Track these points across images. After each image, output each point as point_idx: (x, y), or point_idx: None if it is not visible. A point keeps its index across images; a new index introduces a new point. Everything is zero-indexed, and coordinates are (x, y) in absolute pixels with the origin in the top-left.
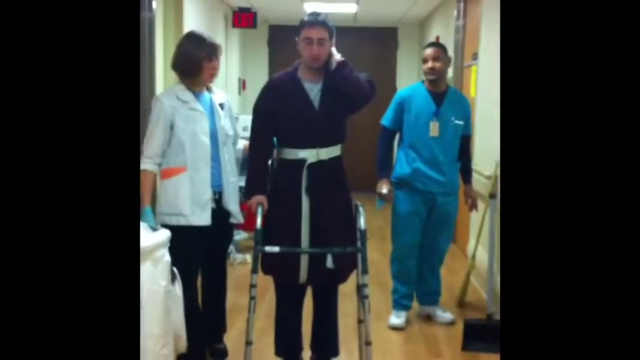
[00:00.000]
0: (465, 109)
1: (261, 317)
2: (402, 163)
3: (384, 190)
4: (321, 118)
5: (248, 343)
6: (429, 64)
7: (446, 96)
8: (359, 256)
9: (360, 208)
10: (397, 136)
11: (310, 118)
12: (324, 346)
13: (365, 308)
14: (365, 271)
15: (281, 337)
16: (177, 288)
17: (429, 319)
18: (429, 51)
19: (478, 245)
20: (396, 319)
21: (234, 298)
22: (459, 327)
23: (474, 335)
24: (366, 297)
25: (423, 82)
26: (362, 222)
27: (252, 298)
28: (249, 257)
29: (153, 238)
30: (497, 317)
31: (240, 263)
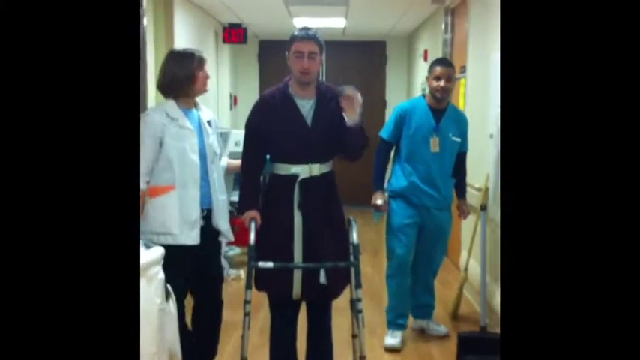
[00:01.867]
0: (462, 126)
1: (256, 333)
2: (399, 176)
3: (380, 201)
4: (314, 134)
5: (243, 359)
6: (442, 83)
7: (445, 112)
8: (352, 270)
9: (353, 222)
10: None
11: (302, 134)
12: None
13: (359, 323)
14: (358, 285)
15: (275, 354)
16: (172, 305)
17: (422, 332)
18: (441, 69)
19: (470, 257)
20: (392, 339)
21: (228, 314)
22: (453, 340)
23: (468, 348)
24: (360, 311)
25: (423, 95)
26: (355, 236)
27: (246, 314)
28: (242, 273)
29: (147, 256)
30: (491, 329)
31: (233, 279)
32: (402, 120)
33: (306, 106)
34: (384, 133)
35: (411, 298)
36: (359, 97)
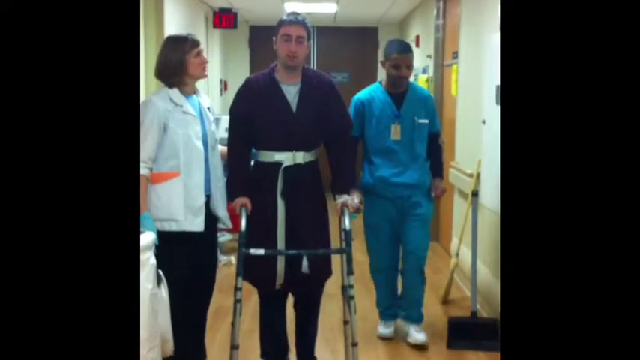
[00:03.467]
0: (428, 106)
1: (247, 318)
2: (367, 172)
3: (356, 200)
4: (299, 121)
5: (234, 346)
6: (402, 72)
7: (406, 95)
8: (344, 256)
9: (345, 209)
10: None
11: (287, 121)
12: (304, 353)
13: (351, 309)
14: (350, 272)
15: (265, 341)
16: (163, 291)
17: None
18: (400, 57)
19: (461, 243)
20: (385, 329)
21: (219, 299)
22: (444, 325)
23: (459, 333)
24: (352, 297)
25: (380, 82)
26: (347, 222)
27: (237, 301)
28: (233, 259)
29: None
30: (481, 314)
31: (224, 265)
32: (361, 112)
33: (292, 91)
34: None
35: (401, 294)
36: (355, 202)
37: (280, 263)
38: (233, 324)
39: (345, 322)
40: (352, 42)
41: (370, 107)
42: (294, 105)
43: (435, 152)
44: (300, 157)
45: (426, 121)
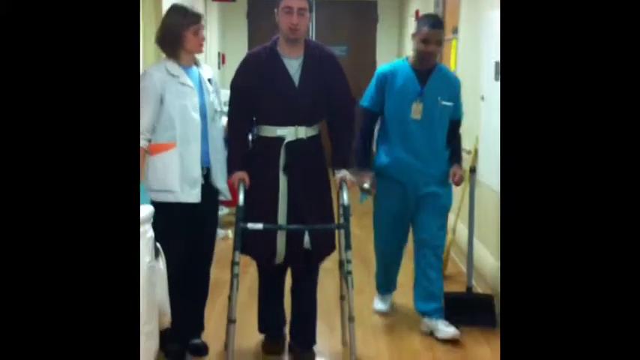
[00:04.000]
0: (453, 90)
1: (244, 292)
2: (381, 151)
3: (366, 184)
4: (301, 95)
5: (231, 321)
6: (430, 47)
7: (432, 74)
8: (341, 232)
9: (344, 184)
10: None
11: (290, 95)
12: (302, 335)
13: (348, 284)
14: (348, 247)
15: (264, 316)
16: (161, 263)
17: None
18: (430, 32)
19: (458, 220)
20: (382, 304)
21: (216, 273)
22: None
23: (455, 308)
24: (349, 273)
25: (407, 58)
26: (345, 198)
27: (234, 275)
28: (230, 233)
29: None
30: (477, 290)
31: (222, 239)
32: (383, 85)
33: (294, 65)
34: (365, 101)
35: (415, 287)
36: (352, 179)
37: (281, 239)
38: (230, 298)
39: (342, 298)
40: (351, 16)
41: (392, 81)
42: (296, 79)
43: (454, 139)
44: (302, 132)
45: (450, 104)
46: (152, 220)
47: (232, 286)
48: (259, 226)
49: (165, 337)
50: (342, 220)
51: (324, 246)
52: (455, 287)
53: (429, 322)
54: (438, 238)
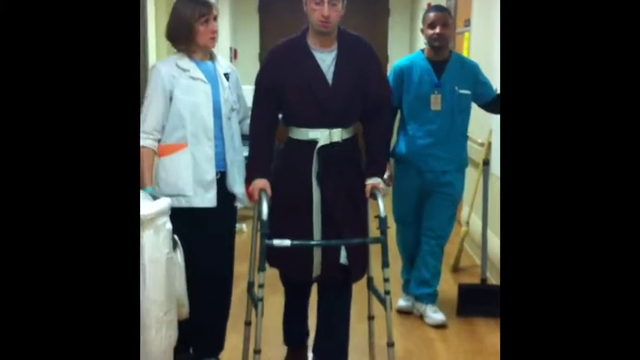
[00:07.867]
0: (472, 74)
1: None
2: (401, 141)
3: (385, 175)
4: (335, 94)
5: (255, 352)
6: (437, 29)
7: (448, 64)
8: (370, 247)
9: (377, 192)
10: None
11: (322, 93)
12: (330, 356)
13: (386, 305)
14: (386, 265)
15: (289, 329)
16: (179, 255)
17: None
18: (435, 15)
19: (472, 212)
20: (405, 302)
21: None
22: (454, 293)
23: (469, 300)
24: (388, 293)
25: (422, 50)
26: (381, 207)
27: (259, 299)
28: (245, 227)
29: (154, 207)
30: (491, 282)
31: (236, 232)
32: (400, 80)
33: (326, 60)
34: None
35: (413, 270)
36: (384, 187)
37: (317, 255)
38: (254, 325)
39: (370, 318)
40: (362, 9)
41: (410, 75)
42: (329, 76)
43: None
44: (337, 135)
45: (468, 92)
46: (170, 212)
47: (258, 312)
48: (287, 242)
49: (179, 338)
50: (377, 233)
51: (363, 262)
52: (469, 279)
53: (420, 307)
54: (446, 229)
